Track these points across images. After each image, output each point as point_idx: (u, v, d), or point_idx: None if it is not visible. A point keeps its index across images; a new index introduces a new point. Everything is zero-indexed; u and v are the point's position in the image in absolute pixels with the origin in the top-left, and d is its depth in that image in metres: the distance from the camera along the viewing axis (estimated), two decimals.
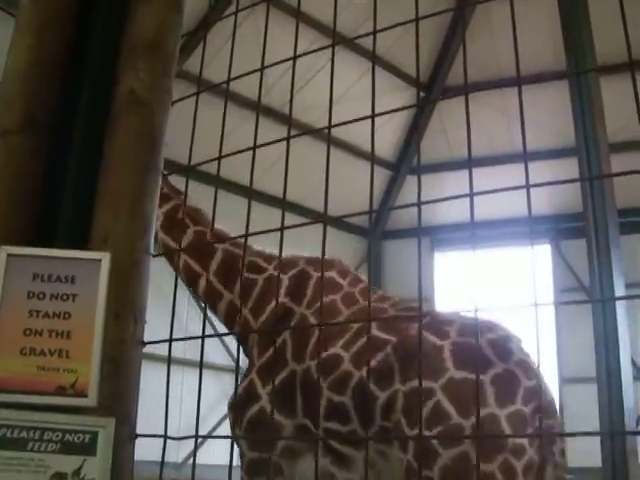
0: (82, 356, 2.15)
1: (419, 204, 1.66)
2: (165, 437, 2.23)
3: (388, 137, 16.41)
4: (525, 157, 1.66)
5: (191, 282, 5.15)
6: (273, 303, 4.88)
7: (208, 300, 5.11)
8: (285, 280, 4.98)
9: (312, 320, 4.66)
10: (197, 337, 2.17)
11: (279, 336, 4.73)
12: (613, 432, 9.48)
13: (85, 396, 2.13)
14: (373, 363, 4.22)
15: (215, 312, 5.16)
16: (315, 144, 13.76)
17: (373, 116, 1.91)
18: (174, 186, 5.14)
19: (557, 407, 4.18)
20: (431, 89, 16.30)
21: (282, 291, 4.93)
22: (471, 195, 1.68)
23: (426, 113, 16.44)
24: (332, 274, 5.00)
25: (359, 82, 13.89)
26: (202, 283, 5.10)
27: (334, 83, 2.25)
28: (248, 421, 4.60)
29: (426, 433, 3.86)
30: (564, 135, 13.60)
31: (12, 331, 2.18)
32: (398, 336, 4.30)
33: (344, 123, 1.97)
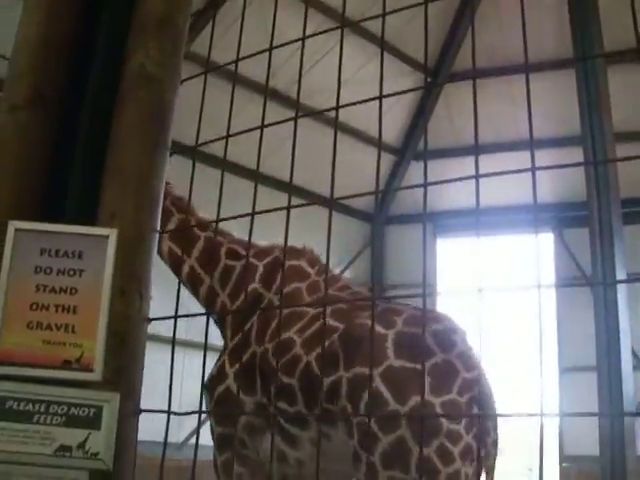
0: (88, 331, 2.17)
1: (425, 185, 1.67)
2: (169, 412, 2.25)
3: (393, 122, 16.38)
4: (531, 138, 1.66)
5: (176, 267, 5.33)
6: (250, 287, 5.18)
7: (190, 284, 5.35)
8: (260, 267, 5.25)
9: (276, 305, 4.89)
10: (201, 314, 2.19)
11: (248, 319, 4.99)
12: (612, 414, 9.52)
13: (90, 370, 2.15)
14: (319, 350, 4.45)
15: (197, 296, 5.39)
16: (321, 129, 13.73)
17: (381, 97, 1.92)
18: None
19: (495, 399, 4.34)
20: (437, 75, 16.26)
21: (256, 277, 5.21)
22: (477, 177, 1.69)
23: (432, 99, 16.41)
24: (301, 263, 5.23)
25: (365, 67, 13.86)
26: (185, 269, 5.33)
27: (340, 68, 2.26)
28: (216, 398, 4.87)
29: (366, 419, 4.09)
30: (569, 124, 13.58)
31: (19, 305, 2.20)
32: (346, 324, 4.48)
33: (352, 104, 1.98)
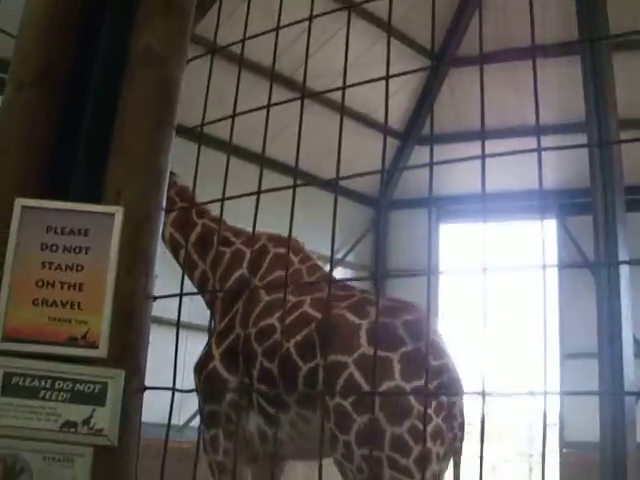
0: (93, 308, 2.18)
1: (431, 164, 1.67)
2: (173, 389, 2.26)
3: (397, 108, 16.35)
4: (537, 116, 1.67)
5: (175, 253, 5.76)
6: (237, 274, 5.48)
7: (187, 269, 5.51)
8: (247, 254, 5.56)
9: (262, 291, 5.21)
10: (209, 292, 2.19)
11: (235, 304, 5.26)
12: (613, 392, 9.54)
13: (96, 347, 2.16)
14: (299, 337, 4.72)
15: (192, 280, 5.61)
16: (326, 114, 13.75)
17: (387, 77, 1.92)
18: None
19: (461, 385, 4.57)
20: (442, 59, 16.23)
21: (244, 264, 5.54)
22: (483, 157, 1.70)
23: (436, 85, 16.38)
24: (284, 251, 5.45)
25: (370, 51, 13.83)
26: (182, 253, 5.71)
27: (347, 45, 2.25)
28: (204, 378, 5.15)
29: (342, 402, 4.36)
30: (573, 111, 13.56)
31: (25, 282, 2.21)
32: (324, 313, 4.74)
33: (359, 84, 1.98)
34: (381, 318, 4.51)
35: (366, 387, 4.33)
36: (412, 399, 4.27)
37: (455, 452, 4.50)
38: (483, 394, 1.60)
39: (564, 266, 17.45)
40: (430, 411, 4.31)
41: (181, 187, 5.65)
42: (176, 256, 5.73)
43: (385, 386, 4.30)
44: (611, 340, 10.11)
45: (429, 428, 4.26)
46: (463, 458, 4.56)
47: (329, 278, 5.41)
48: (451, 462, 4.54)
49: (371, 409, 4.27)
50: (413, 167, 16.95)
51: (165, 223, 5.53)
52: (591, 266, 13.77)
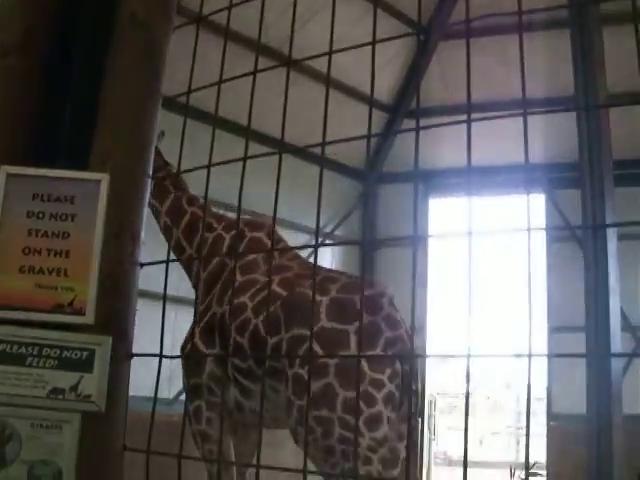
0: (80, 275, 2.18)
1: (417, 129, 1.67)
2: (160, 356, 2.27)
3: (386, 81, 16.29)
4: (523, 75, 1.67)
5: (167, 237, 6.23)
6: (217, 258, 6.01)
7: (175, 252, 6.14)
8: (227, 239, 6.06)
9: (237, 273, 5.63)
10: (196, 258, 2.19)
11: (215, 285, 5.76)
12: (599, 355, 9.60)
13: (82, 314, 2.17)
14: (264, 314, 5.15)
15: (181, 264, 6.17)
16: (314, 86, 13.68)
17: (374, 42, 1.92)
18: (164, 159, 6.26)
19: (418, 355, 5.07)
20: (431, 32, 16.15)
21: (223, 248, 6.02)
22: (468, 122, 1.70)
23: (425, 58, 16.31)
24: (261, 235, 5.99)
25: (358, 25, 13.75)
26: (174, 238, 6.20)
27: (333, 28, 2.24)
28: (186, 353, 5.56)
29: (300, 371, 4.78)
30: (562, 85, 13.53)
31: (11, 250, 2.21)
32: (289, 291, 5.18)
33: (345, 49, 1.97)
34: (341, 294, 4.96)
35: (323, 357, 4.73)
36: (366, 367, 4.64)
37: (409, 416, 4.87)
38: (468, 356, 1.61)
39: (550, 228, 17.43)
40: (383, 377, 4.67)
41: (176, 176, 6.11)
42: (169, 241, 6.12)
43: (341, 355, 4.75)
44: (598, 314, 10.15)
45: (381, 393, 4.64)
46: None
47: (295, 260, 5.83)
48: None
49: (326, 375, 4.63)
50: (400, 132, 16.90)
51: (160, 212, 6.27)
52: (573, 229, 13.80)
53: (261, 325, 5.16)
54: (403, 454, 4.79)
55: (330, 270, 5.61)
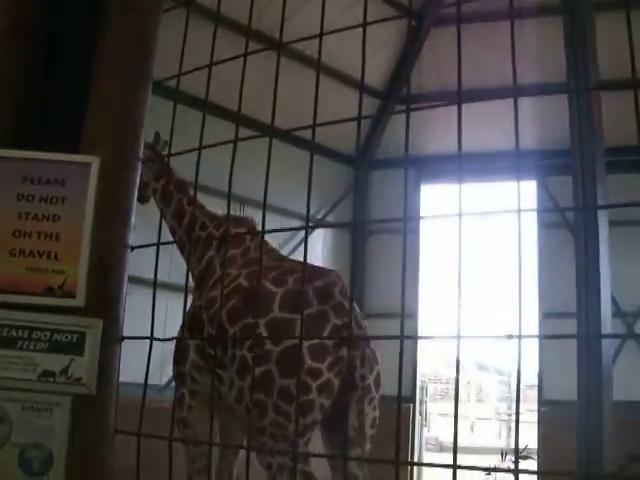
0: (70, 258, 2.18)
1: (408, 110, 1.67)
2: (151, 339, 2.27)
3: (379, 67, 16.25)
4: (513, 56, 1.67)
5: (173, 236, 6.68)
6: (208, 254, 6.37)
7: (180, 251, 6.69)
8: (217, 236, 6.51)
9: (217, 267, 6.16)
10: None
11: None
12: (589, 336, 9.63)
13: (73, 297, 2.16)
14: (229, 305, 5.42)
15: (184, 258, 6.61)
16: (306, 72, 13.66)
17: (365, 24, 1.91)
18: (168, 166, 6.75)
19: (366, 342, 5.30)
20: (423, 18, 16.11)
21: (213, 245, 6.41)
22: (459, 103, 1.70)
23: (417, 44, 16.28)
24: (242, 230, 6.36)
25: (350, 12, 13.70)
26: (177, 237, 6.68)
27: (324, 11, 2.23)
28: (175, 344, 5.94)
29: (245, 353, 5.11)
30: (555, 71, 13.52)
31: (2, 233, 2.20)
32: (251, 284, 5.54)
33: (336, 31, 1.97)
34: (295, 285, 5.28)
35: (269, 344, 5.01)
36: (307, 356, 4.93)
37: (357, 399, 5.13)
38: (458, 337, 1.61)
39: (540, 210, 17.44)
40: (321, 366, 4.95)
41: (178, 180, 6.81)
42: (174, 239, 6.65)
43: (284, 344, 5.00)
44: (589, 299, 10.17)
45: (317, 382, 4.94)
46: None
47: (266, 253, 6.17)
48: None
49: (267, 362, 4.96)
50: (390, 114, 16.83)
51: (167, 216, 6.72)
52: (562, 210, 13.81)
53: (225, 316, 5.42)
54: (370, 432, 5.24)
55: (294, 261, 6.05)
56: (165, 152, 6.87)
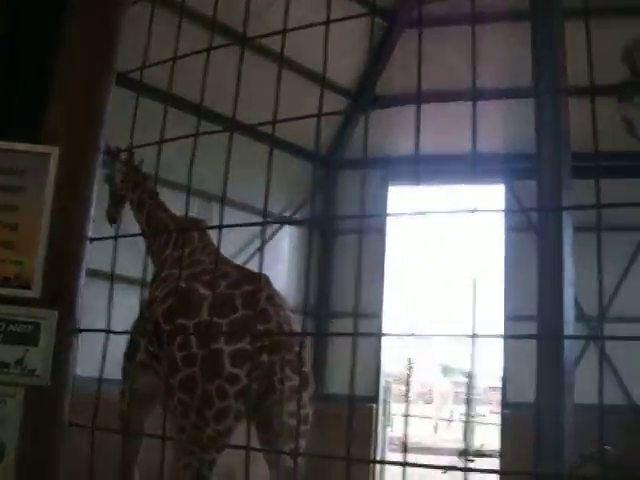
0: (28, 248, 2.16)
1: (368, 109, 1.67)
2: (107, 331, 2.26)
3: (350, 68, 16.18)
4: (474, 68, 1.68)
5: (147, 241, 6.94)
6: (165, 254, 6.59)
7: (151, 253, 6.85)
8: (173, 237, 6.78)
9: (166, 267, 6.38)
10: (140, 235, 2.18)
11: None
12: (549, 336, 9.71)
13: (29, 288, 2.15)
14: (165, 306, 5.65)
15: (152, 260, 6.82)
16: (275, 69, 13.62)
17: (328, 22, 1.92)
18: (143, 174, 7.10)
19: (289, 347, 5.39)
20: (395, 19, 16.11)
21: (170, 245, 6.68)
22: (418, 103, 1.71)
23: (389, 45, 16.25)
24: (195, 232, 6.55)
25: (322, 11, 13.69)
26: (152, 248, 6.82)
27: (292, 8, 2.24)
28: (128, 339, 6.06)
29: (175, 354, 5.21)
30: (524, 76, 13.59)
31: None
32: (188, 285, 5.64)
33: (300, 27, 1.97)
34: (225, 290, 5.41)
35: (194, 346, 5.17)
36: (227, 362, 5.11)
37: (275, 403, 5.29)
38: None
39: (504, 211, 17.48)
40: (240, 372, 5.14)
41: (150, 189, 7.01)
42: (147, 247, 6.93)
43: (209, 349, 5.21)
44: (552, 302, 10.23)
45: (234, 388, 5.11)
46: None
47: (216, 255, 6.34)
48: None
49: (193, 366, 5.15)
50: (351, 113, 16.76)
51: (141, 222, 6.97)
52: (527, 211, 13.90)
53: (160, 316, 5.66)
54: (304, 427, 5.48)
55: (236, 266, 6.23)
56: (142, 170, 7.15)
